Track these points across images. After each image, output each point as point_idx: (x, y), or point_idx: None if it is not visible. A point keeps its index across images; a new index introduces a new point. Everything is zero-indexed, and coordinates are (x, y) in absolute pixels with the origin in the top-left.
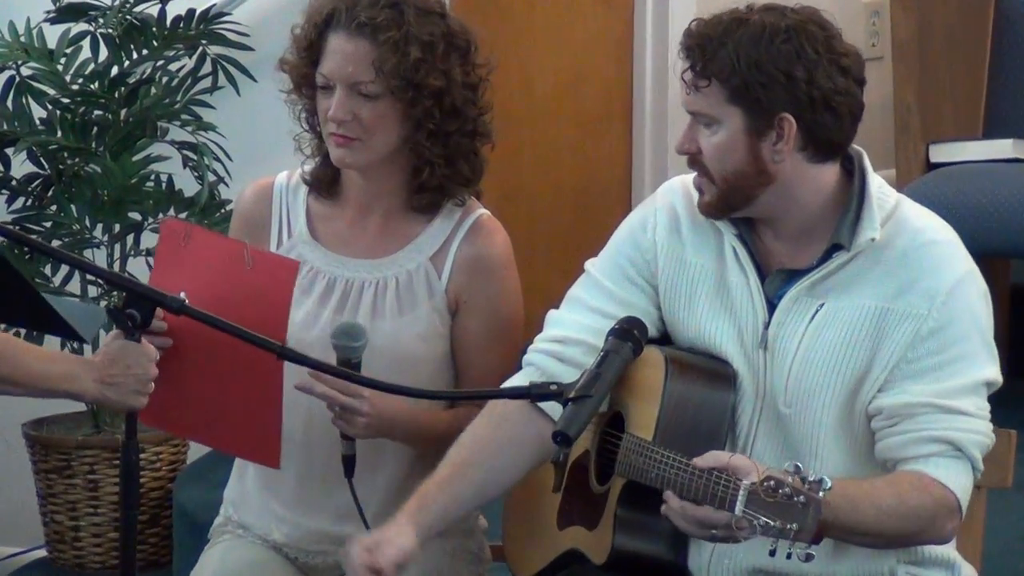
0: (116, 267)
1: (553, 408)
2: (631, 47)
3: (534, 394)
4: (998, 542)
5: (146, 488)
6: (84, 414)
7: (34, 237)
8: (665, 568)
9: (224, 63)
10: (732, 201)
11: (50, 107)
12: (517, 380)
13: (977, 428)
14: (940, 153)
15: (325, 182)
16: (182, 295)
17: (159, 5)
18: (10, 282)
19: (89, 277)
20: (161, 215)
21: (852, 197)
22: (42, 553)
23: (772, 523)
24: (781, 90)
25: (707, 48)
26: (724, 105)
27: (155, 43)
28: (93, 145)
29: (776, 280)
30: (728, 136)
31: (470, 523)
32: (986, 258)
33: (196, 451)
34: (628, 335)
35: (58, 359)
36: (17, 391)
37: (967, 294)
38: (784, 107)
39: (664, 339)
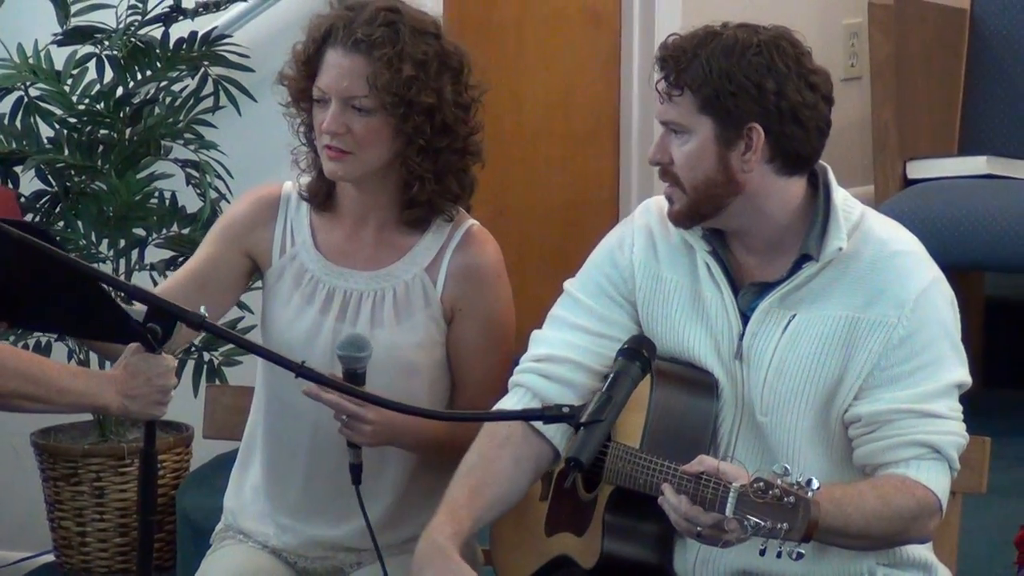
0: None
1: (550, 427)
2: (618, 66)
3: (547, 417)
4: (973, 546)
5: None
6: (90, 423)
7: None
8: (652, 571)
9: (225, 83)
10: (702, 209)
11: (57, 127)
12: (508, 402)
13: (952, 429)
14: (917, 170)
15: (320, 196)
16: (202, 309)
17: (163, 28)
18: (95, 297)
19: None
20: (165, 231)
21: (818, 209)
22: (50, 558)
23: (763, 523)
24: (751, 101)
25: (681, 59)
26: (695, 114)
27: (159, 64)
28: (99, 163)
29: (749, 293)
30: (698, 145)
31: None
32: (961, 271)
33: (199, 458)
34: (636, 355)
35: (82, 375)
36: (46, 409)
37: (934, 301)
38: (753, 117)
39: None
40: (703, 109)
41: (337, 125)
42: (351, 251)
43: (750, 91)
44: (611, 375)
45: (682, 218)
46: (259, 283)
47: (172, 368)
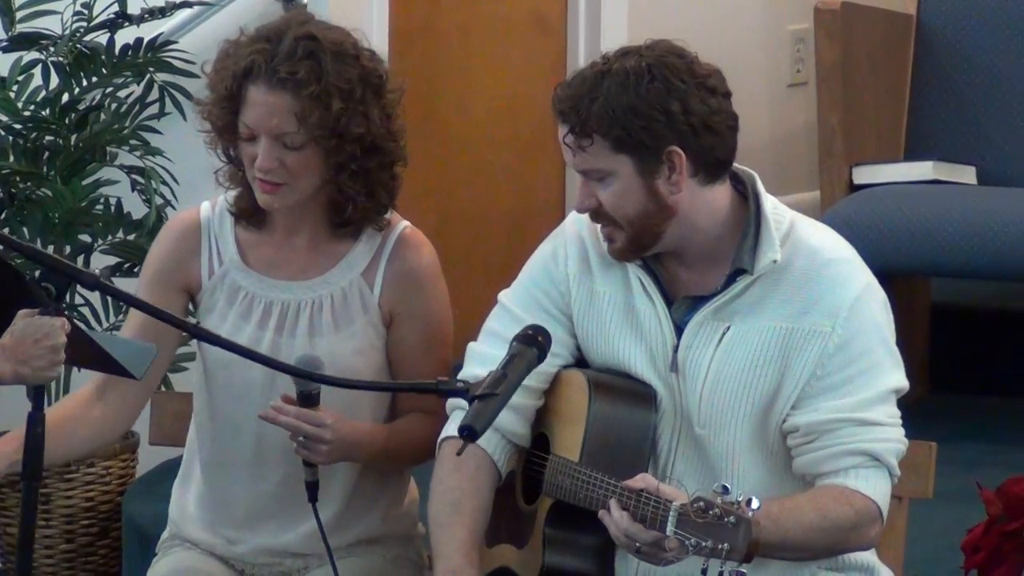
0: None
1: (497, 452)
2: (565, 72)
3: (442, 390)
4: (920, 551)
5: (96, 502)
6: None
7: None
8: None
9: (171, 90)
10: (643, 241)
11: (2, 133)
12: (451, 426)
13: (891, 436)
14: (863, 175)
15: (249, 211)
16: (97, 271)
17: (108, 34)
18: (76, 332)
19: None
20: (110, 237)
21: (749, 220)
22: None
23: (704, 543)
24: (662, 127)
25: (580, 107)
26: (611, 156)
27: (104, 71)
28: (44, 170)
29: (682, 306)
30: (623, 183)
31: (409, 530)
32: (907, 276)
33: (145, 465)
34: (532, 341)
35: None
36: None
37: (868, 307)
38: (669, 141)
39: (580, 365)
40: (617, 149)
41: (270, 162)
42: (283, 262)
43: (658, 118)
44: (507, 356)
45: (626, 254)
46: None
47: (58, 326)
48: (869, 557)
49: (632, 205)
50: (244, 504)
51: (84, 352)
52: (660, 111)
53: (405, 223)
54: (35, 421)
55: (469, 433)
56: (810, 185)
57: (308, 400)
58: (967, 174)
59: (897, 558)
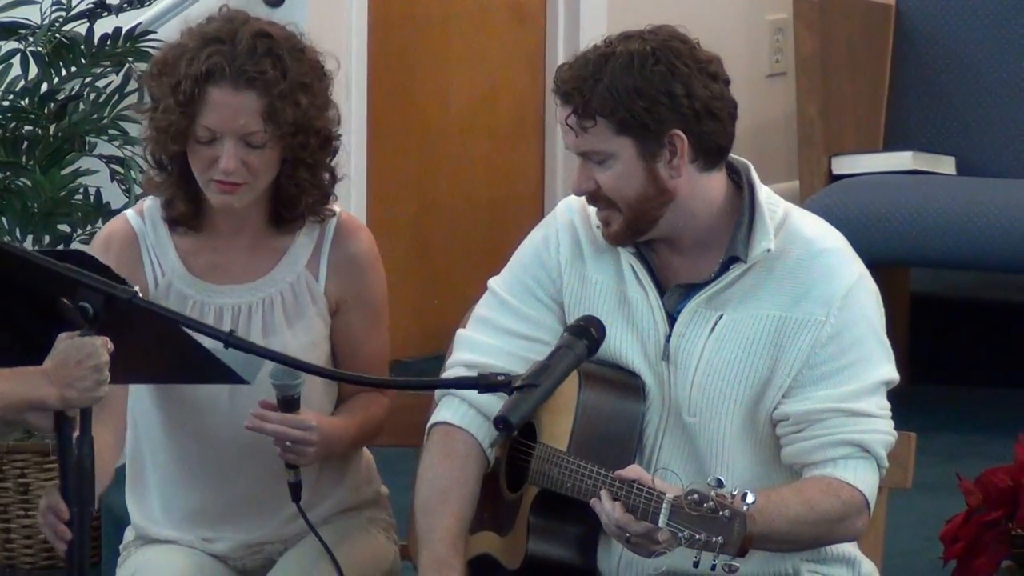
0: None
1: (487, 439)
2: (544, 62)
3: (482, 384)
4: (899, 541)
5: None
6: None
7: None
8: (577, 571)
9: None
10: (640, 226)
11: None
12: (444, 413)
13: (880, 428)
14: (842, 165)
15: (187, 216)
16: (136, 288)
17: (87, 24)
18: (179, 342)
19: None
20: (89, 227)
21: (744, 209)
22: None
23: (697, 536)
24: (665, 110)
25: (584, 88)
26: (614, 138)
27: (83, 61)
28: (24, 159)
29: (675, 295)
30: (624, 166)
31: (375, 494)
32: (886, 266)
33: (124, 456)
34: (584, 332)
35: (11, 376)
36: None
37: (860, 298)
38: (672, 125)
39: None
40: (620, 131)
41: (236, 163)
42: (227, 265)
43: (662, 101)
44: (555, 347)
45: (622, 238)
46: None
47: (99, 345)
48: (850, 548)
49: (632, 188)
50: (215, 509)
51: (187, 365)
52: (664, 94)
53: (338, 209)
54: (83, 444)
55: (504, 425)
56: (789, 175)
57: (289, 405)
58: (946, 164)
59: (877, 548)
